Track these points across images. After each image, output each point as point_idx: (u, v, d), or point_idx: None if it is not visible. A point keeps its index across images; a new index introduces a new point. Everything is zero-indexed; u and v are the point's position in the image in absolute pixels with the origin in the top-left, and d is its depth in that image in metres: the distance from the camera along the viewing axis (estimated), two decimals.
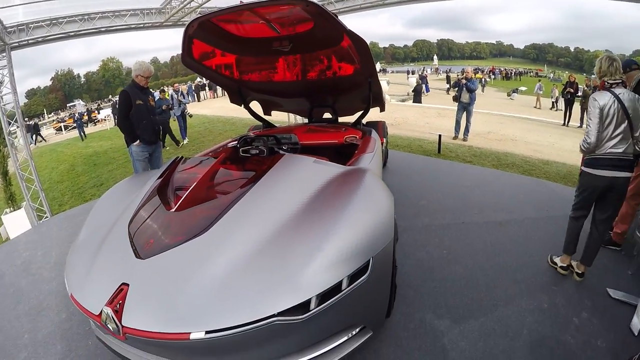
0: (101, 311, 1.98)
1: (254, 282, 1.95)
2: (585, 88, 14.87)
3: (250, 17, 3.97)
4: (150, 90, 5.53)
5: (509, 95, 29.12)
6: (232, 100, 5.48)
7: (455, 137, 11.29)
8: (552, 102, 23.06)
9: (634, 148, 3.19)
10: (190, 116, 12.62)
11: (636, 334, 2.83)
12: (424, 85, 25.59)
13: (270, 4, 3.67)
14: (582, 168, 3.44)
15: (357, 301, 2.13)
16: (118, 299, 1.99)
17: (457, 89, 11.51)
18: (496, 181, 6.94)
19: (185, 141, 12.50)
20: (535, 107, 23.46)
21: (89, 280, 2.26)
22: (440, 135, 10.06)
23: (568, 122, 15.54)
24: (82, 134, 21.46)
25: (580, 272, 3.61)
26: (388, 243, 2.34)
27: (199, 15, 3.91)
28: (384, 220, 2.39)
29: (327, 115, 6.29)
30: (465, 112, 11.18)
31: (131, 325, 1.89)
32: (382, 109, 6.21)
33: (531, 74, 63.69)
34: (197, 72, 4.71)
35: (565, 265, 3.70)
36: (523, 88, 27.81)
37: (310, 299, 1.88)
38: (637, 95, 3.20)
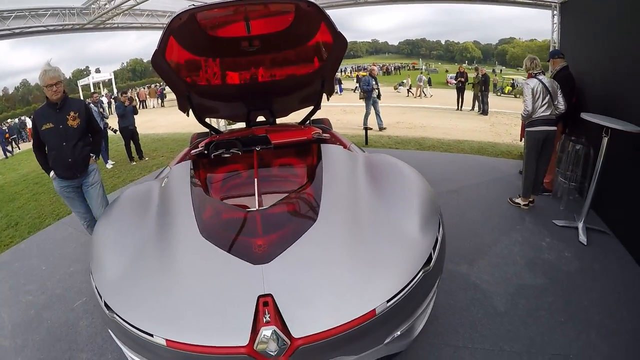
0: (253, 337, 1.70)
1: (381, 255, 2.08)
2: (475, 76, 17.08)
3: (230, 14, 3.87)
4: (82, 101, 4.45)
5: (395, 88, 31.55)
6: (180, 107, 5.06)
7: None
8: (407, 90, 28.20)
9: (554, 112, 4.80)
10: (115, 132, 10.51)
11: (585, 244, 4.14)
12: (337, 86, 26.15)
13: (269, 1, 3.71)
14: (526, 129, 4.96)
15: None
16: (271, 315, 1.73)
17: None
18: (431, 160, 8.06)
19: (110, 165, 10.34)
20: (415, 97, 25.83)
21: (200, 312, 1.83)
22: (366, 129, 10.78)
23: (461, 107, 17.72)
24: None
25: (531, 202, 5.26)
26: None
27: (184, 9, 3.44)
28: (434, 203, 2.64)
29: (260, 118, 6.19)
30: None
31: (306, 333, 1.71)
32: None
33: (408, 67, 68.40)
34: (160, 75, 4.11)
35: (526, 203, 5.20)
36: (407, 81, 29.97)
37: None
38: (552, 79, 4.90)
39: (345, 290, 1.88)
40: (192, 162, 3.28)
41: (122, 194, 3.07)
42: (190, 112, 5.10)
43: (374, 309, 1.81)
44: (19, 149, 22.13)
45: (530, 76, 4.93)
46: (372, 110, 12.18)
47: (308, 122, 5.79)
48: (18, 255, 5.06)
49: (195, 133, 6.29)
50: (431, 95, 25.57)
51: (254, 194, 2.66)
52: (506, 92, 28.71)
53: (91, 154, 4.16)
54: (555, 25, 8.41)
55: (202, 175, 3.17)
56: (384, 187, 2.71)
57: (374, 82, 12.01)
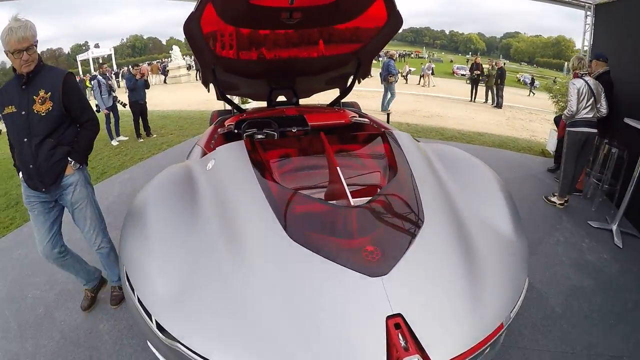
0: None
1: (493, 262, 1.88)
2: (489, 68, 16.75)
3: None
4: (63, 72, 2.71)
5: (404, 76, 30.57)
6: (203, 80, 4.75)
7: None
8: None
9: (596, 115, 4.73)
10: (124, 105, 9.90)
11: (621, 247, 4.09)
12: None
13: None
14: (568, 129, 4.87)
15: None
16: (408, 340, 1.39)
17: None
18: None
19: (116, 142, 9.68)
20: (422, 85, 25.49)
21: (310, 338, 1.45)
22: (388, 114, 10.24)
23: (475, 98, 17.38)
24: None
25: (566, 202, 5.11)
26: None
27: None
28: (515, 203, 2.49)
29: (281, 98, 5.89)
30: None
31: (449, 356, 1.45)
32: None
33: (412, 55, 67.32)
34: (189, 42, 3.67)
35: (562, 202, 5.07)
36: (412, 69, 29.61)
37: None
38: (597, 81, 4.79)
39: (474, 302, 1.62)
40: (246, 142, 2.76)
41: (156, 180, 2.53)
42: (211, 87, 4.77)
43: (502, 322, 1.63)
44: None
45: (575, 76, 4.86)
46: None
47: (338, 105, 5.55)
48: (20, 241, 4.51)
49: (215, 110, 6.05)
50: (434, 85, 25.12)
51: (337, 186, 2.18)
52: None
53: (70, 159, 2.70)
54: (588, 26, 8.06)
55: (261, 158, 2.60)
56: (467, 183, 2.49)
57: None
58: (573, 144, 4.84)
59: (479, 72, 17.06)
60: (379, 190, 2.31)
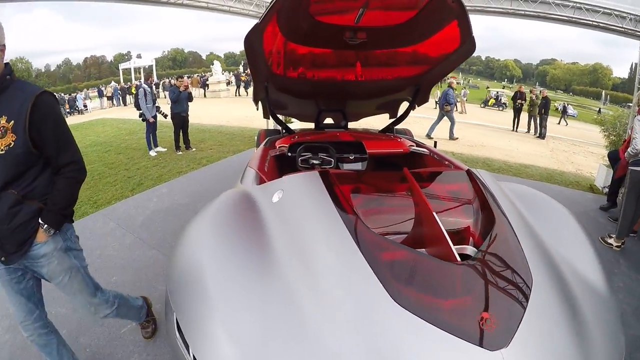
0: None
1: (603, 322, 1.69)
2: (533, 97, 16.12)
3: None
4: (37, 90, 1.83)
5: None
6: (255, 97, 4.61)
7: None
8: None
9: None
10: (165, 116, 9.73)
11: None
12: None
13: None
14: (631, 168, 4.63)
15: None
16: None
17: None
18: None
19: (154, 153, 9.57)
20: (459, 112, 24.45)
21: None
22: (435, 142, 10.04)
23: (517, 128, 16.87)
24: None
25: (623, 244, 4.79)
26: None
27: None
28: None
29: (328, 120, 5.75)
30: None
31: None
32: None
33: (448, 81, 66.87)
34: (248, 55, 3.39)
35: (619, 244, 4.73)
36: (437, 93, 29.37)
37: None
38: None
39: None
40: (320, 174, 2.38)
41: (212, 210, 2.22)
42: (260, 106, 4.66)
43: None
44: None
45: None
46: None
47: (392, 131, 5.33)
48: None
49: (262, 130, 5.86)
50: (465, 113, 24.40)
51: (437, 236, 1.85)
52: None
53: (41, 222, 1.92)
54: None
55: (341, 194, 2.18)
56: (553, 230, 2.20)
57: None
58: (635, 184, 4.60)
59: (522, 102, 16.68)
60: (471, 239, 2.04)
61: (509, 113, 17.39)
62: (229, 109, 20.83)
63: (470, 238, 2.08)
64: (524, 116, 16.59)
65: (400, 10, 3.39)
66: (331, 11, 3.38)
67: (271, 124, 10.42)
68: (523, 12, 8.70)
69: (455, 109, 14.99)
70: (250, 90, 32.50)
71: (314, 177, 2.30)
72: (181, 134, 9.72)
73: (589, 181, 8.57)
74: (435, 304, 1.52)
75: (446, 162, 3.66)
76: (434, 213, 1.90)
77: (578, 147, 15.07)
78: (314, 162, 3.51)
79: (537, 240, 2.00)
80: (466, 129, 15.43)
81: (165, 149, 9.84)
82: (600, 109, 35.07)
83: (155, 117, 9.36)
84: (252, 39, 3.16)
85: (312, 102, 5.01)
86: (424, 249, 1.94)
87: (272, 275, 1.66)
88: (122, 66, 43.37)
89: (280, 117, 7.21)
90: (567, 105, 31.57)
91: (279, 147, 3.93)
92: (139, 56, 46.07)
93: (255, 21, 3.05)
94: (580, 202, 6.61)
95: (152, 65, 41.57)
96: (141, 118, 9.29)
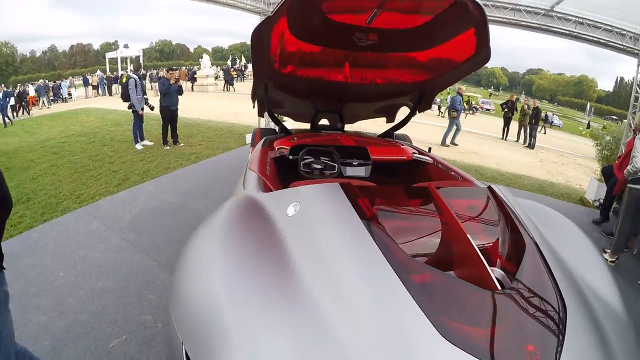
0: None
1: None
2: (525, 108, 16.17)
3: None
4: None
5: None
6: (253, 95, 4.48)
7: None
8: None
9: None
10: (152, 108, 9.44)
11: None
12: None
13: None
14: (630, 185, 4.68)
15: None
16: None
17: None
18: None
19: (140, 146, 9.26)
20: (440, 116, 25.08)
21: None
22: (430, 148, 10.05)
23: (506, 137, 17.04)
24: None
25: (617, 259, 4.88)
26: None
27: None
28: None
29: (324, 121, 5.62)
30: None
31: None
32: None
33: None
34: (253, 49, 3.23)
35: (614, 259, 4.79)
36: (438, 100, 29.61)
37: None
38: None
39: None
40: (341, 185, 2.11)
41: (219, 221, 1.96)
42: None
43: None
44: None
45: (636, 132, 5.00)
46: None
47: (391, 136, 5.15)
48: (28, 248, 4.07)
49: (257, 128, 5.67)
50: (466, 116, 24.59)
51: (472, 260, 1.67)
52: None
53: None
54: None
55: (367, 211, 1.94)
56: (570, 251, 2.06)
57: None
58: (632, 201, 4.68)
59: (508, 110, 16.92)
60: (499, 261, 1.85)
61: (496, 120, 17.38)
62: (217, 104, 20.54)
63: (498, 260, 1.88)
64: (513, 124, 16.74)
65: (416, 13, 3.22)
66: (344, 10, 3.21)
67: (262, 122, 10.19)
68: (525, 24, 8.64)
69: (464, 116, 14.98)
70: (238, 85, 32.33)
71: (335, 190, 2.06)
72: (169, 128, 9.40)
73: (579, 193, 8.66)
74: (481, 336, 1.36)
75: (452, 172, 3.50)
76: (469, 237, 1.72)
77: (566, 158, 15.20)
78: (317, 166, 3.37)
79: (562, 263, 1.87)
80: (459, 136, 15.42)
81: (152, 143, 9.51)
82: (589, 122, 35.66)
83: (143, 109, 9.05)
84: (261, 34, 2.99)
85: (310, 103, 4.89)
86: (451, 271, 1.77)
87: (299, 304, 1.43)
88: (108, 55, 42.56)
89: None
90: (553, 115, 31.93)
91: (278, 148, 3.76)
92: (126, 46, 45.35)
93: (253, 16, 2.86)
94: (573, 215, 6.35)
95: (139, 56, 41.04)
96: (131, 109, 8.96)
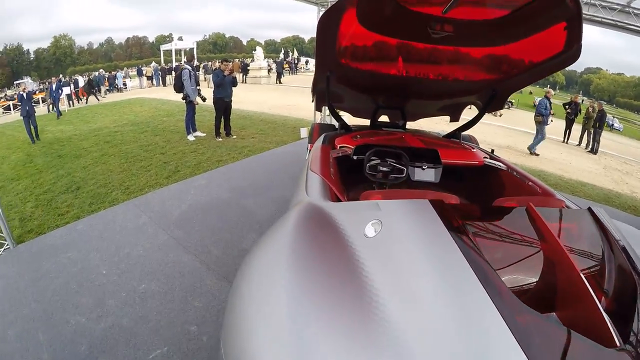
0: None
1: None
2: (590, 110, 15.24)
3: None
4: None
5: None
6: (313, 88, 4.28)
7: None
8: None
9: None
10: (204, 99, 9.34)
11: None
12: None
13: None
14: None
15: None
16: None
17: None
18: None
19: (192, 137, 9.25)
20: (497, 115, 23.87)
21: None
22: (492, 150, 9.73)
23: (567, 139, 16.04)
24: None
25: None
26: None
27: None
28: None
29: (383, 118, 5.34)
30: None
31: None
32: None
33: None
34: (319, 38, 3.15)
35: None
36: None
37: None
38: None
39: None
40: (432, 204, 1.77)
41: (282, 237, 1.72)
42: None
43: None
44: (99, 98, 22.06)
45: None
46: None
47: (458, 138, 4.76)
48: (72, 241, 3.99)
49: (315, 123, 5.54)
50: (501, 115, 23.32)
51: (590, 310, 1.33)
52: None
53: None
54: None
55: (463, 233, 1.62)
56: None
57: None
58: None
59: (572, 112, 15.68)
60: (603, 299, 1.54)
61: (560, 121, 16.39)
62: (270, 96, 20.40)
63: (603, 298, 1.55)
64: (575, 127, 15.74)
65: (500, 4, 2.91)
66: None
67: (318, 117, 9.96)
68: (599, 20, 7.99)
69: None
70: (290, 79, 32.29)
71: (425, 208, 1.71)
72: (222, 120, 9.33)
73: None
74: None
75: (528, 183, 3.13)
76: (585, 281, 1.38)
77: (630, 166, 14.10)
78: (383, 168, 3.17)
79: None
80: (515, 136, 14.91)
81: (204, 134, 9.48)
82: None
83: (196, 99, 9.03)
84: (327, 23, 2.83)
85: (371, 98, 4.63)
86: (553, 312, 1.46)
87: (385, 352, 1.15)
88: (163, 47, 43.99)
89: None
90: (613, 118, 30.26)
91: (341, 147, 3.54)
92: (180, 38, 46.57)
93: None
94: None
95: (193, 48, 41.79)
96: (185, 100, 8.95)
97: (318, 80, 3.86)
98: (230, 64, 9.31)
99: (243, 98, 16.11)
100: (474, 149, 3.93)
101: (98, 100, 21.41)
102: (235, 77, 9.33)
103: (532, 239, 1.77)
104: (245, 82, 28.67)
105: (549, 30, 2.87)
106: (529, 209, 1.89)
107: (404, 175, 3.20)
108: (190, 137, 9.11)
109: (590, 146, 14.80)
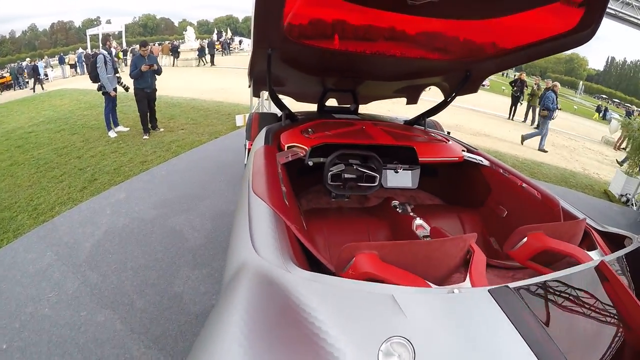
0: None
1: None
2: (535, 87, 15.27)
3: None
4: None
5: None
6: (251, 69, 3.42)
7: None
8: None
9: None
10: (127, 89, 8.00)
11: None
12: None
13: None
14: None
15: None
16: None
17: None
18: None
19: (114, 133, 8.08)
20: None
21: None
22: (448, 132, 9.47)
23: (513, 116, 16.26)
24: None
25: None
26: None
27: None
28: None
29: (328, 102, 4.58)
30: None
31: None
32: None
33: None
34: (258, 11, 2.25)
35: None
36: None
37: None
38: None
39: None
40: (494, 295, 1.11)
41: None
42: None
43: None
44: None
45: None
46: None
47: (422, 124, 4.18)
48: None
49: (255, 113, 4.65)
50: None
51: None
52: None
53: None
54: None
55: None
56: None
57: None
58: None
59: (518, 90, 16.05)
60: None
61: (492, 96, 16.52)
62: (202, 79, 19.19)
63: None
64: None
65: None
66: None
67: (255, 103, 8.92)
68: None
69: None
70: (223, 59, 30.81)
71: (486, 305, 1.07)
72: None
73: (600, 185, 8.16)
74: None
75: (521, 184, 2.64)
76: None
77: (575, 141, 14.48)
78: (349, 176, 2.63)
79: None
80: (464, 115, 14.75)
81: (128, 129, 8.34)
82: (606, 108, 35.57)
83: (116, 89, 7.75)
84: None
85: (319, 80, 3.91)
86: None
87: None
88: (89, 32, 40.01)
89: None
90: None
91: (290, 147, 2.78)
92: (108, 22, 43.37)
93: None
94: (612, 217, 6.09)
95: (121, 32, 39.05)
96: (100, 91, 7.68)
97: (256, 60, 3.02)
98: (149, 47, 7.88)
99: (172, 83, 15.00)
100: (449, 141, 3.39)
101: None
102: (158, 67, 7.87)
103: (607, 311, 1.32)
104: (175, 65, 27.19)
105: (558, 4, 2.27)
106: (602, 268, 1.37)
107: (376, 184, 2.68)
108: (112, 134, 7.91)
109: (536, 123, 14.82)
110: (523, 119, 15.79)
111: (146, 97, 7.72)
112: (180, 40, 35.12)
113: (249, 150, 3.32)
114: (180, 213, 4.44)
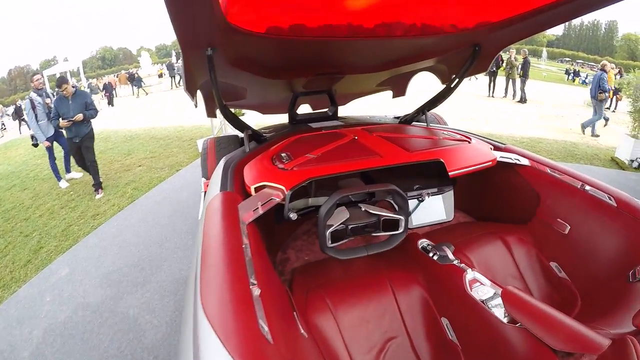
0: None
1: None
2: (512, 59, 14.36)
3: None
4: None
5: None
6: (188, 80, 2.22)
7: None
8: None
9: None
10: (36, 145, 6.66)
11: None
12: None
13: None
14: None
15: None
16: None
17: None
18: None
19: (65, 183, 6.92)
20: None
21: None
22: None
23: (493, 93, 15.63)
24: None
25: None
26: None
27: None
28: None
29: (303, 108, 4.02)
30: None
31: None
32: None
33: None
34: None
35: None
36: None
37: None
38: None
39: None
40: None
41: None
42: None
43: None
44: None
45: None
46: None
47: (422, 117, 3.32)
48: None
49: (211, 139, 3.63)
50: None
51: None
52: None
53: None
54: None
55: None
56: None
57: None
58: None
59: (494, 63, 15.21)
60: None
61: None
62: (161, 104, 18.43)
63: None
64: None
65: None
66: None
67: (217, 123, 7.89)
68: None
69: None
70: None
71: None
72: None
73: (605, 153, 7.66)
74: None
75: (584, 186, 2.02)
76: None
77: (560, 109, 13.84)
78: (357, 225, 1.69)
79: None
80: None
81: (81, 174, 7.16)
82: (575, 71, 35.96)
83: (53, 137, 6.41)
84: None
85: (286, 83, 3.01)
86: None
87: None
88: (46, 73, 38.29)
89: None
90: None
91: (258, 188, 1.84)
92: (65, 59, 42.28)
93: None
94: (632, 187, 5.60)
95: (79, 68, 37.89)
96: (33, 143, 6.54)
97: (192, 68, 2.07)
98: (68, 85, 5.92)
99: (130, 114, 14.22)
100: (471, 139, 2.56)
101: None
102: (90, 109, 6.06)
103: None
104: (135, 95, 26.12)
105: None
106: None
107: (401, 230, 1.73)
108: (62, 184, 6.78)
109: (518, 96, 14.46)
110: (504, 94, 15.18)
111: (74, 149, 6.16)
112: (136, 68, 34.35)
113: (205, 195, 2.24)
114: (134, 289, 3.45)
